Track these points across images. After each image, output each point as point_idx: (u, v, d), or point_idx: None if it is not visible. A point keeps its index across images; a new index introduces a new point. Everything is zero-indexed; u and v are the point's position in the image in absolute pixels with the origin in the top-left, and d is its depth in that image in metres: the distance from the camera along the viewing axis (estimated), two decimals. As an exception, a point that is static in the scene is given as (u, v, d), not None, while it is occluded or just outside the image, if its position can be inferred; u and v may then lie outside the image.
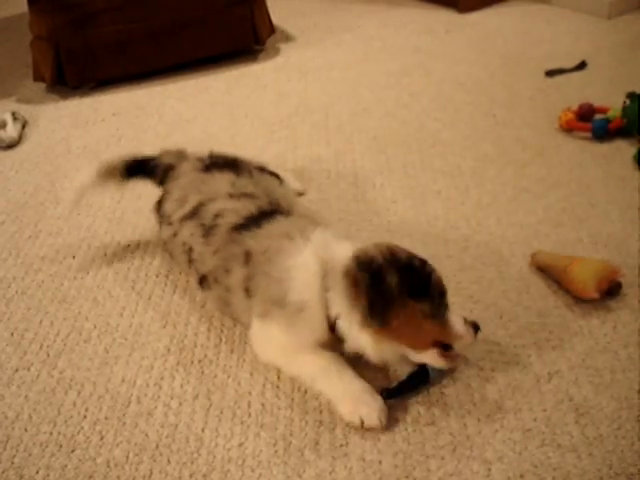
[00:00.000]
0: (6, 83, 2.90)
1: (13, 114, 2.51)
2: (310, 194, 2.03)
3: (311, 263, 1.37)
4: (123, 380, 1.48)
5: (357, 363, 1.38)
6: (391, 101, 2.53)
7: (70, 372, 1.51)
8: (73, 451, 1.34)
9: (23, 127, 2.52)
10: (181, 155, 1.85)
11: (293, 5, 3.50)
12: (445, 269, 1.68)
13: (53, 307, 1.69)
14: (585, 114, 2.24)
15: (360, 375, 1.37)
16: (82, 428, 1.38)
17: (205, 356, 1.52)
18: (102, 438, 1.36)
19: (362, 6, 3.41)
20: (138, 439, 1.35)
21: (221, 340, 1.56)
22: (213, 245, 1.53)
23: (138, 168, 1.83)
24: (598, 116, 2.22)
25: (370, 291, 1.28)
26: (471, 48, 2.90)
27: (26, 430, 1.39)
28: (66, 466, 1.31)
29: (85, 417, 1.40)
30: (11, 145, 2.42)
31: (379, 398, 1.33)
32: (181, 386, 1.45)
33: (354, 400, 1.32)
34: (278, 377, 1.45)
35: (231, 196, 1.61)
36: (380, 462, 1.27)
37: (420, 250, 1.39)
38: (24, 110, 2.63)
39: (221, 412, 1.39)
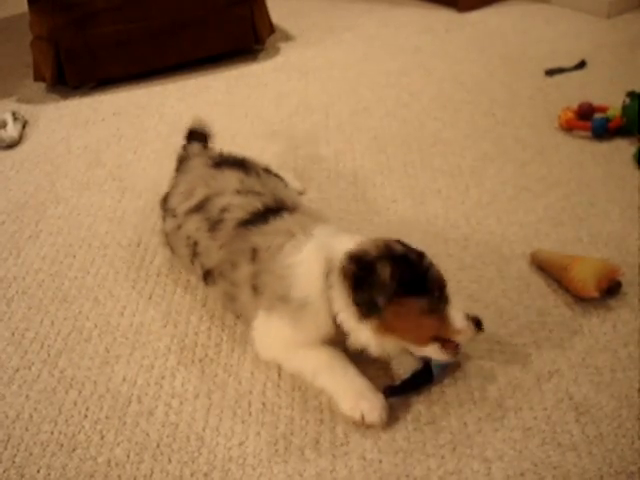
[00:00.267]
0: (6, 83, 2.90)
1: (13, 114, 2.51)
2: (310, 193, 2.03)
3: (312, 260, 1.37)
4: (124, 379, 1.48)
5: (359, 361, 1.39)
6: (391, 100, 2.54)
7: (71, 371, 1.51)
8: (74, 450, 1.34)
9: (23, 127, 2.52)
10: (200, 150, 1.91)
11: (293, 5, 3.50)
12: (445, 268, 1.68)
13: (54, 306, 1.69)
14: (585, 113, 2.24)
15: (362, 373, 1.37)
16: (83, 427, 1.38)
17: (206, 355, 1.52)
18: (103, 437, 1.36)
19: (362, 5, 3.41)
20: (139, 438, 1.35)
21: (222, 339, 1.56)
22: (219, 240, 1.54)
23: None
24: (598, 115, 2.22)
25: (357, 282, 1.29)
26: (471, 47, 2.90)
27: (27, 429, 1.39)
28: (67, 465, 1.31)
29: (86, 416, 1.40)
30: (11, 145, 2.42)
31: (381, 395, 1.33)
32: (182, 385, 1.46)
33: (356, 396, 1.33)
34: (279, 376, 1.45)
35: (238, 192, 1.62)
36: (380, 461, 1.27)
37: (421, 249, 1.39)
38: (24, 110, 2.63)
39: (222, 411, 1.39)
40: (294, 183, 2.00)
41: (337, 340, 1.38)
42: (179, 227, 1.65)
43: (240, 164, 1.74)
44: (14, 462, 1.32)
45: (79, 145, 2.40)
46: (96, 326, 1.63)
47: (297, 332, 1.38)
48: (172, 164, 1.90)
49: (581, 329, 1.51)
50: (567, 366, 1.43)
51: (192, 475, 1.28)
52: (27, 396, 1.46)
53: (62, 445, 1.35)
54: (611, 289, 1.57)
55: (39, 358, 1.55)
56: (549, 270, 1.65)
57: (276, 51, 3.01)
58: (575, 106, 2.27)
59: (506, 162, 2.12)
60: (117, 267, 1.81)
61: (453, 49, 2.91)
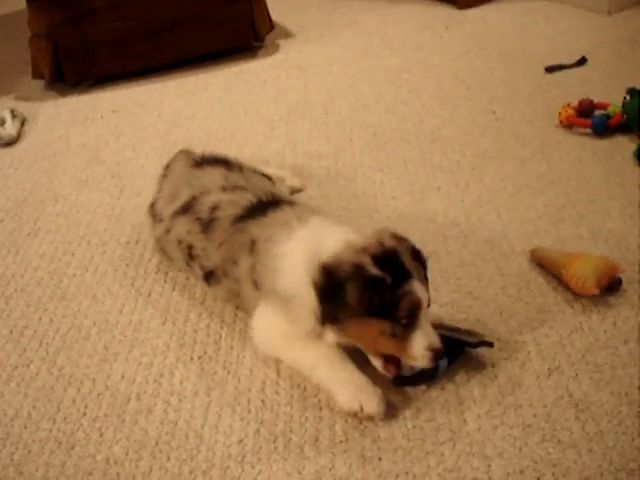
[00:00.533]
0: (5, 80, 2.90)
1: (12, 111, 2.51)
2: (309, 190, 2.03)
3: (299, 250, 1.37)
4: (122, 377, 1.48)
5: (357, 357, 1.38)
6: (390, 97, 2.53)
7: (69, 369, 1.51)
8: (72, 448, 1.33)
9: (22, 124, 2.51)
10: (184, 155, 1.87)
11: (292, 1, 3.49)
12: (445, 265, 1.69)
13: (52, 304, 1.69)
14: (585, 110, 2.23)
15: (361, 370, 1.37)
16: (81, 425, 1.38)
17: (205, 353, 1.52)
18: (101, 435, 1.35)
19: (361, 2, 3.41)
20: (138, 436, 1.35)
21: (221, 337, 1.56)
22: (216, 239, 1.53)
23: None
24: (598, 112, 2.22)
25: (324, 296, 1.30)
26: (470, 44, 2.90)
27: (25, 427, 1.38)
28: (65, 463, 1.31)
29: (84, 414, 1.40)
30: (10, 142, 2.41)
31: (379, 390, 1.33)
32: (181, 383, 1.45)
33: (354, 388, 1.33)
34: (278, 374, 1.45)
35: (224, 189, 1.61)
36: (380, 458, 1.27)
37: (419, 246, 1.39)
38: (23, 107, 2.63)
39: (221, 408, 1.39)
40: (293, 180, 2.00)
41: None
42: (168, 231, 1.65)
43: (221, 161, 1.75)
44: (12, 460, 1.32)
45: (78, 142, 2.40)
46: (95, 324, 1.62)
47: (289, 324, 1.38)
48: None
49: (581, 326, 1.51)
50: (567, 363, 1.43)
51: (191, 473, 1.27)
52: (25, 394, 1.46)
53: (60, 443, 1.35)
54: (611, 286, 1.57)
55: (38, 356, 1.55)
56: (549, 267, 1.64)
57: (275, 48, 3.00)
58: (575, 103, 2.26)
59: (506, 159, 2.12)
60: (116, 264, 1.80)
61: (453, 46, 2.90)
